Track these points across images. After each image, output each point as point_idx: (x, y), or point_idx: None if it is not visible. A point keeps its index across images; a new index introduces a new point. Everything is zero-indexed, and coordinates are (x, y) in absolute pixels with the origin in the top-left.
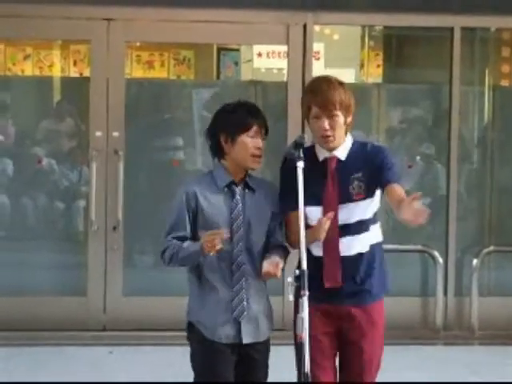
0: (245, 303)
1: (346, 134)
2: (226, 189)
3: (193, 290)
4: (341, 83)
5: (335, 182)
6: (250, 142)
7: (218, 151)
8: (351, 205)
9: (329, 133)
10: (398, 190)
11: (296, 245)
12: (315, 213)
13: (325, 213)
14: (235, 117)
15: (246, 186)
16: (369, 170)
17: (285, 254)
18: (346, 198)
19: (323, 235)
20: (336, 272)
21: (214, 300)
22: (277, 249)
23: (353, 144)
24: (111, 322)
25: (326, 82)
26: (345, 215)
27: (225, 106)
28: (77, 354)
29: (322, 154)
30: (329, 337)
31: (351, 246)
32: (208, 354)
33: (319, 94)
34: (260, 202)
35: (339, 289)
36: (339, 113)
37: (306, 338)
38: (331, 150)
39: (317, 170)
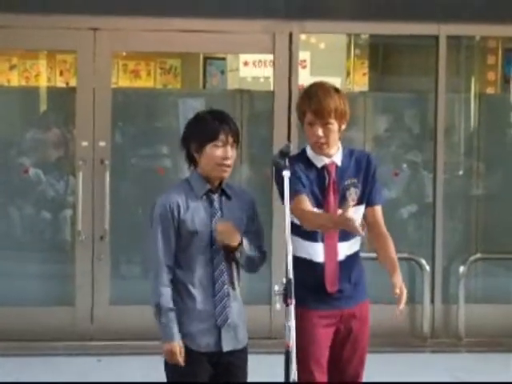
0: (228, 310)
1: (339, 139)
2: (204, 197)
3: None
4: (337, 90)
5: (336, 189)
6: (216, 151)
7: (191, 160)
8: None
9: (322, 140)
10: (379, 214)
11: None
12: None
13: None
14: (203, 126)
15: (223, 193)
16: (363, 181)
17: (261, 257)
18: (343, 203)
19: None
20: (336, 277)
21: (193, 308)
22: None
23: (343, 149)
24: (99, 331)
25: (321, 89)
26: None
27: (195, 115)
28: (64, 364)
29: (319, 161)
30: (328, 341)
31: (344, 250)
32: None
33: (314, 101)
34: (236, 209)
35: (338, 292)
36: (333, 120)
37: (293, 346)
38: (326, 156)
39: (315, 176)
